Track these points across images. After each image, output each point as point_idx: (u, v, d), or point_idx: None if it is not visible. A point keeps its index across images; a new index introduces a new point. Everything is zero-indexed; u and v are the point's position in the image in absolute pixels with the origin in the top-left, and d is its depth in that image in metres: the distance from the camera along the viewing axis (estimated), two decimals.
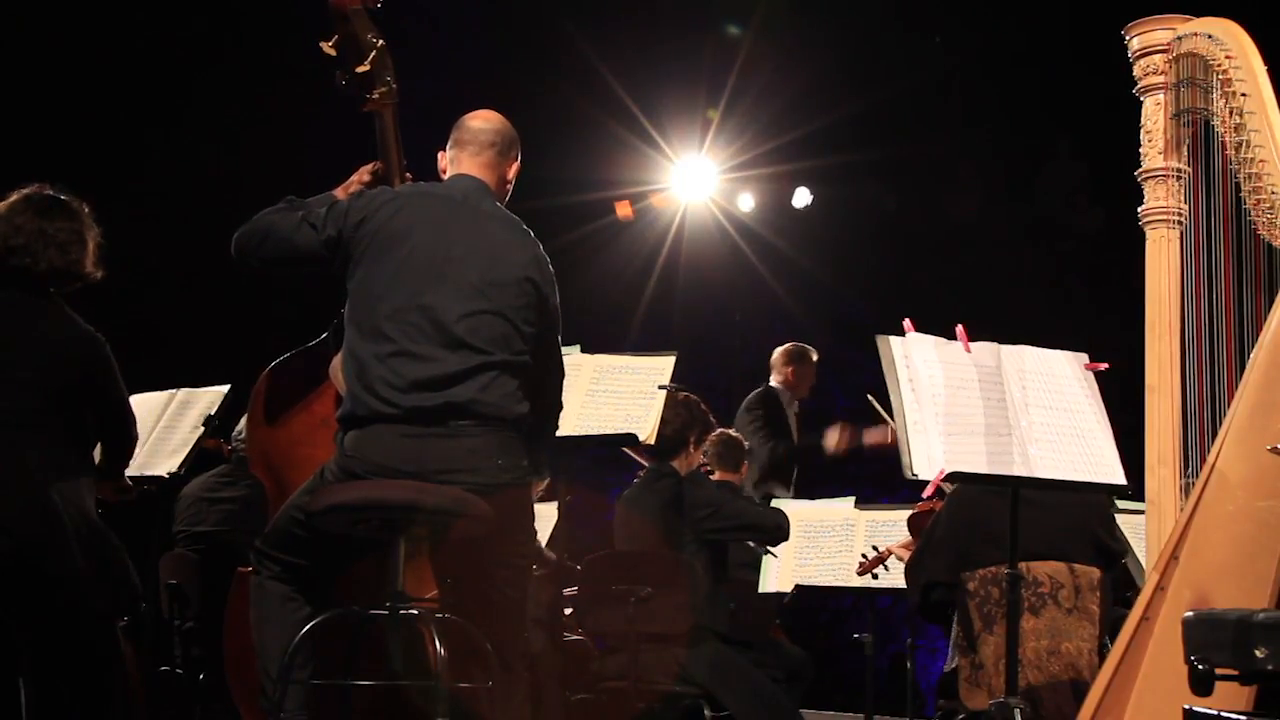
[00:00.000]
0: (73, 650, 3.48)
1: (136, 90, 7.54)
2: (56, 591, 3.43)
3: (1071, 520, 3.96)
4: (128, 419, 3.77)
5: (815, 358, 6.97)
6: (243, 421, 5.51)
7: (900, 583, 4.64)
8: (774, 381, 6.94)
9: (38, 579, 3.40)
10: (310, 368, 3.51)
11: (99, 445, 3.82)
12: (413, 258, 3.16)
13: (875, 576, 4.94)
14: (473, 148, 3.36)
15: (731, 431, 5.51)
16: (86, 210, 3.71)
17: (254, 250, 3.28)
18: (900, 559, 4.80)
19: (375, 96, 3.50)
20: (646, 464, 5.14)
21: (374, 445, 3.09)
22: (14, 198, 3.65)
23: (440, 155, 3.43)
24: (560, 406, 3.48)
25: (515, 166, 3.43)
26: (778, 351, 7.01)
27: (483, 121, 3.40)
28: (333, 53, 3.46)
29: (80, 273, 3.65)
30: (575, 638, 4.90)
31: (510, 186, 3.44)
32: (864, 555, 4.94)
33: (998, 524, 3.55)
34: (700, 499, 4.88)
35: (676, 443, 4.98)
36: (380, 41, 3.47)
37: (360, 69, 3.45)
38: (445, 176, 3.40)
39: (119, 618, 3.62)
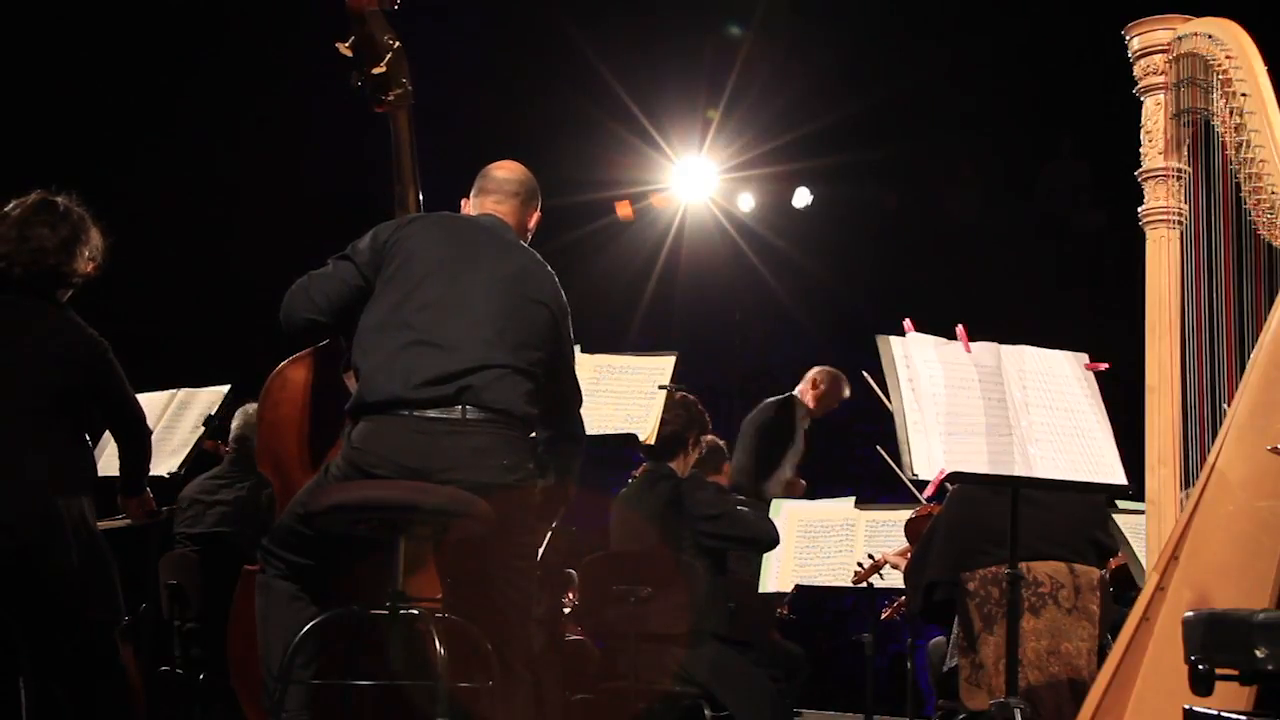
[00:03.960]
0: (70, 652, 3.48)
1: (137, 90, 7.55)
2: (56, 593, 3.43)
3: (1072, 520, 3.97)
4: (138, 422, 3.77)
5: (847, 391, 6.91)
6: (234, 422, 5.52)
7: (901, 583, 4.64)
8: (798, 391, 6.94)
9: (38, 580, 3.40)
10: (320, 367, 3.50)
11: (117, 456, 3.82)
12: (441, 268, 3.23)
13: (870, 585, 4.95)
14: (496, 195, 3.47)
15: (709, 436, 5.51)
16: (81, 214, 3.69)
17: (304, 307, 3.31)
18: (895, 567, 4.81)
19: (390, 98, 3.53)
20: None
21: (381, 438, 3.10)
22: (8, 206, 3.66)
23: (464, 203, 3.52)
24: (583, 439, 3.53)
25: (536, 217, 3.53)
26: (819, 370, 6.97)
27: (507, 172, 3.50)
28: (349, 53, 3.49)
29: (64, 277, 3.63)
30: (575, 638, 4.90)
31: (530, 235, 3.53)
32: (859, 564, 4.94)
33: (998, 522, 3.55)
34: (703, 500, 4.87)
35: (676, 443, 4.98)
36: (396, 43, 3.50)
37: (376, 70, 3.48)
38: None
39: (115, 624, 3.61)
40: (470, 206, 3.50)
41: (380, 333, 3.18)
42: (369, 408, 3.13)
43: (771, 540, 4.95)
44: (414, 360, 3.12)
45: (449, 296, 3.19)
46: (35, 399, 3.49)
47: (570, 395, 3.46)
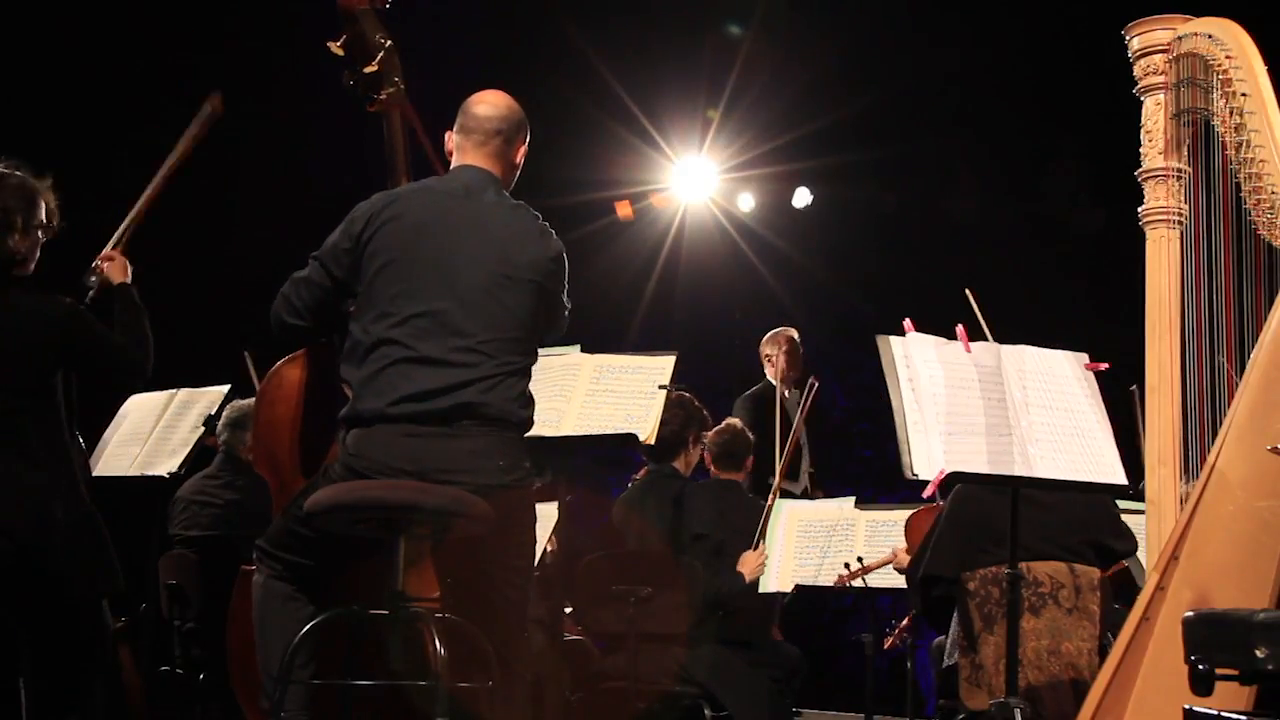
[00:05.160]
0: (68, 641, 3.47)
1: (136, 89, 7.54)
2: (56, 591, 3.41)
3: (1072, 521, 3.97)
4: (121, 362, 3.64)
5: (788, 336, 6.95)
6: (222, 418, 5.49)
7: (901, 582, 4.63)
8: (766, 374, 6.96)
9: (39, 580, 3.38)
10: (315, 366, 3.50)
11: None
12: (419, 263, 3.16)
13: (865, 584, 4.90)
14: (478, 136, 3.34)
15: (736, 423, 5.46)
16: (19, 183, 3.54)
17: (287, 312, 3.28)
18: (901, 562, 4.74)
19: (383, 97, 3.51)
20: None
21: (376, 444, 3.08)
22: None
23: (447, 136, 3.41)
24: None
25: (523, 149, 3.41)
26: (763, 344, 7.04)
27: (488, 108, 3.36)
28: (340, 53, 3.47)
29: (6, 255, 3.50)
30: (575, 638, 4.90)
31: (518, 169, 3.42)
32: (846, 565, 4.85)
33: (999, 522, 3.55)
34: (700, 516, 4.87)
35: (676, 443, 4.98)
36: (388, 42, 3.48)
37: (368, 69, 3.46)
38: (451, 159, 3.39)
39: (105, 594, 3.58)
40: (453, 143, 3.37)
41: (367, 348, 3.13)
42: (361, 422, 3.11)
43: (717, 603, 4.81)
44: (404, 377, 3.08)
45: (434, 305, 3.12)
46: (15, 395, 3.43)
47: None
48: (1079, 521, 3.98)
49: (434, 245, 3.17)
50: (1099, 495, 4.01)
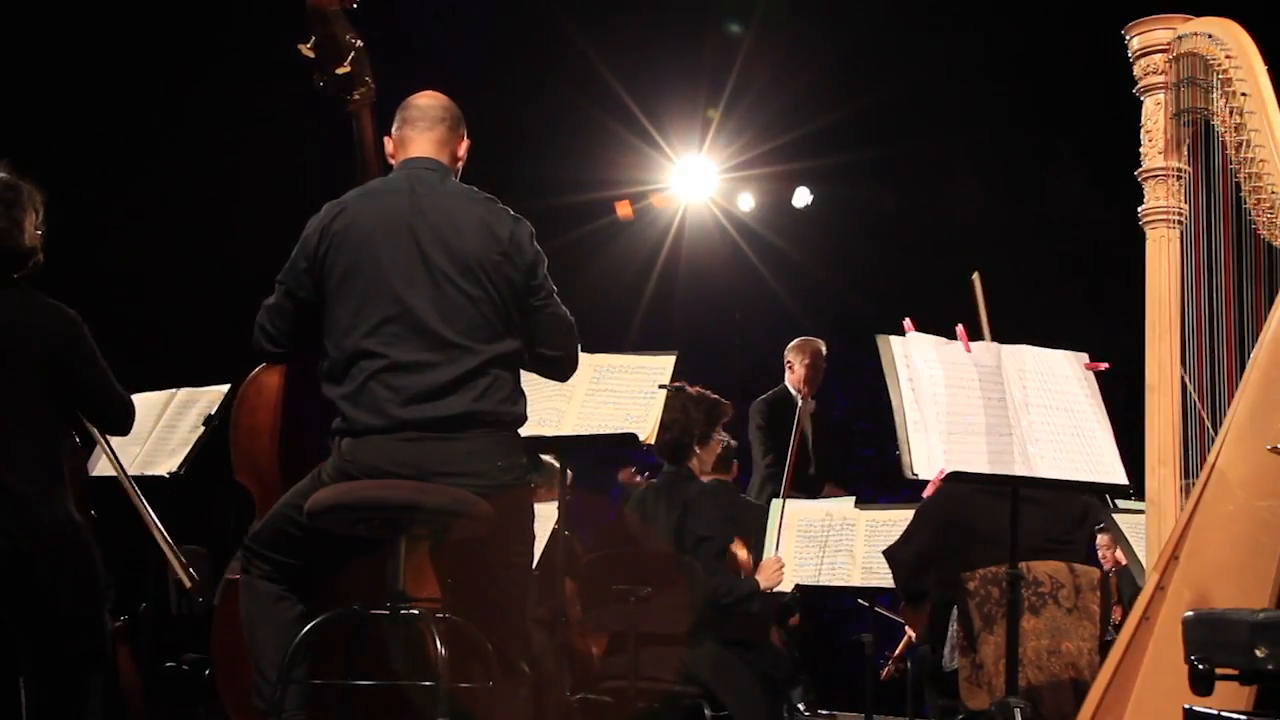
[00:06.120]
0: (63, 646, 3.47)
1: (136, 89, 7.55)
2: (42, 601, 3.40)
3: (1067, 522, 3.98)
4: (118, 411, 3.64)
5: (814, 349, 6.89)
6: None
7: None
8: (786, 379, 6.93)
9: (26, 585, 3.37)
10: (294, 371, 3.48)
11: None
12: (377, 268, 3.11)
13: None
14: (423, 124, 3.29)
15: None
16: (15, 183, 3.53)
17: (264, 338, 3.27)
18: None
19: (355, 98, 3.47)
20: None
21: (372, 450, 3.07)
22: None
23: (387, 140, 3.36)
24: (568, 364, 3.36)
25: (465, 144, 3.36)
26: (787, 351, 6.99)
27: (429, 98, 3.33)
28: (311, 55, 3.43)
29: (13, 255, 3.47)
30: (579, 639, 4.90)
31: (462, 164, 3.37)
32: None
33: (985, 525, 3.56)
34: (705, 518, 4.87)
35: (679, 448, 4.98)
36: (359, 42, 3.44)
37: (340, 70, 3.43)
38: (394, 161, 3.34)
39: (100, 611, 3.57)
40: (393, 142, 3.33)
41: (344, 363, 3.11)
42: (354, 434, 3.09)
43: (718, 605, 4.76)
44: (387, 387, 3.06)
45: (400, 308, 3.08)
46: (12, 395, 3.41)
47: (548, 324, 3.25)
48: (1061, 521, 4.00)
49: (388, 247, 3.12)
50: (1076, 495, 4.02)
